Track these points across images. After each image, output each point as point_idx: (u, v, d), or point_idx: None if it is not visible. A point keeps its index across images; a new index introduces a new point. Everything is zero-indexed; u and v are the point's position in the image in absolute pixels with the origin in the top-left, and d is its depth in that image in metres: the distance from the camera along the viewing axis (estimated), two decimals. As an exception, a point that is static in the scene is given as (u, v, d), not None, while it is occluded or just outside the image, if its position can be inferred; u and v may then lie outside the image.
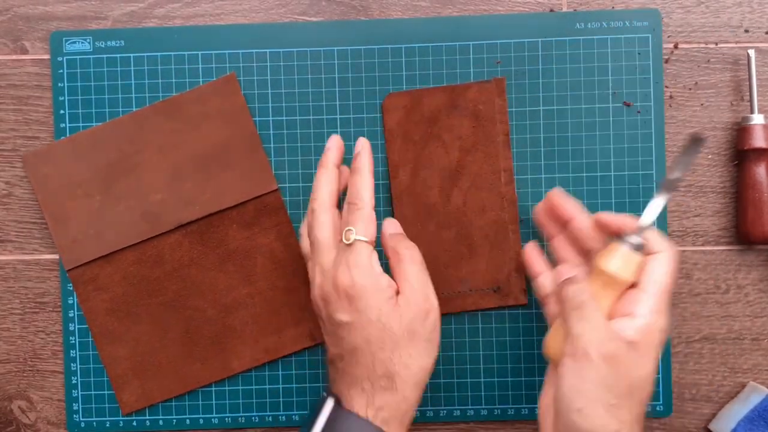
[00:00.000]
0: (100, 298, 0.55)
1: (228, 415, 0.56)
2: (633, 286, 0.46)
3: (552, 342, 0.47)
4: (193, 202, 0.55)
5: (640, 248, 0.45)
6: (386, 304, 0.47)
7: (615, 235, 0.47)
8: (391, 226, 0.51)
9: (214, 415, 0.56)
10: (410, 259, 0.48)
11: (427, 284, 0.48)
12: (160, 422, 0.56)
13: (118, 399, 0.55)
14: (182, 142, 0.55)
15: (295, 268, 0.55)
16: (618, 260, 0.45)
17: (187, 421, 0.56)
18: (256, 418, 0.56)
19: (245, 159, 0.55)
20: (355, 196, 0.49)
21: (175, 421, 0.56)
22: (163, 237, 0.55)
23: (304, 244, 0.53)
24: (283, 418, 0.56)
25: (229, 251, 0.55)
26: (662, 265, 0.46)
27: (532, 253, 0.53)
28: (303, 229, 0.54)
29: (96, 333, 0.55)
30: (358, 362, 0.47)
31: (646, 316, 0.44)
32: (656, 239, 0.46)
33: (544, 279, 0.51)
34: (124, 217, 0.55)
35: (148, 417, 0.56)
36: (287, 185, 0.55)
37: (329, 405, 0.46)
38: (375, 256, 0.48)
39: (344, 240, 0.47)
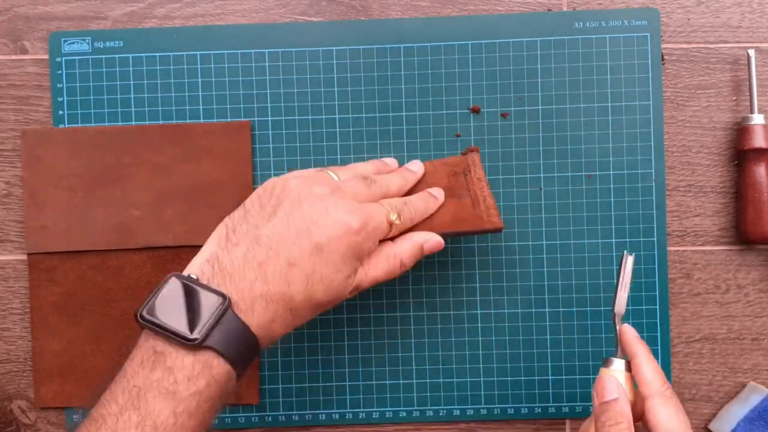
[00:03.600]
0: (51, 290, 0.55)
1: (228, 415, 0.56)
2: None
3: None
4: (169, 230, 0.55)
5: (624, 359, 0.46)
6: (351, 271, 0.44)
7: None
8: None
9: (214, 415, 0.56)
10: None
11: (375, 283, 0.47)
12: (160, 422, 0.56)
13: (34, 390, 0.55)
14: (178, 169, 0.55)
15: None
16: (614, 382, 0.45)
17: (187, 421, 0.56)
18: (256, 418, 0.56)
19: (233, 204, 0.53)
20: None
21: (174, 421, 0.56)
22: (129, 253, 0.55)
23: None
24: (283, 418, 0.56)
25: None
26: (647, 364, 0.45)
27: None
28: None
29: (35, 322, 0.55)
30: (282, 279, 0.42)
31: (668, 422, 0.43)
32: (629, 343, 0.46)
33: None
34: (98, 221, 0.55)
35: (147, 417, 0.56)
36: (287, 185, 0.55)
37: (221, 305, 0.41)
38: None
39: (389, 219, 0.46)
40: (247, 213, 0.45)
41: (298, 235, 0.43)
